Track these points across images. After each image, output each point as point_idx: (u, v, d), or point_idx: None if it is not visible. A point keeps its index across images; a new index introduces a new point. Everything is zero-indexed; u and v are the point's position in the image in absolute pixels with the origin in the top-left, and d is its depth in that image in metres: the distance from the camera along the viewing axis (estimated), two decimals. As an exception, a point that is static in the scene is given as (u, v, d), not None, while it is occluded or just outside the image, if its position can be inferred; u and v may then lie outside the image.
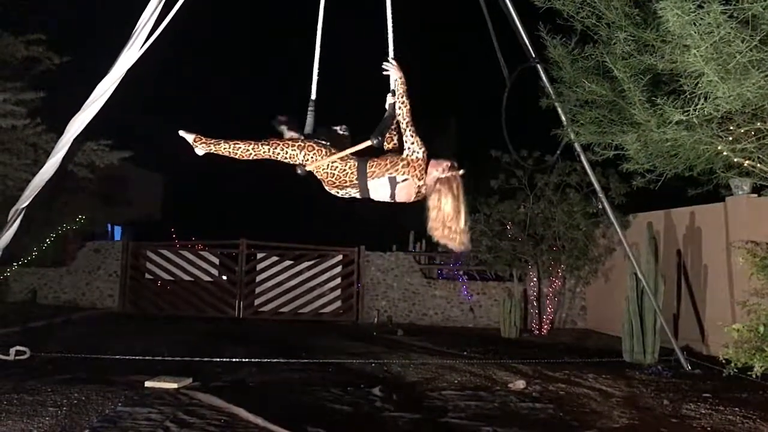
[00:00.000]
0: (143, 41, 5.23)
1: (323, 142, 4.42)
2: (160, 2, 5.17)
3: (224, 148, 4.43)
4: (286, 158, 4.37)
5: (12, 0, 10.58)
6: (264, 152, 4.37)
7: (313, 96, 4.79)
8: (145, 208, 22.43)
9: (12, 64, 10.63)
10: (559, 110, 7.09)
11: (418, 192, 4.29)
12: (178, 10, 5.19)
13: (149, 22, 5.17)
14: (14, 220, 6.22)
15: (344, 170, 4.30)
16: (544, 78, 7.14)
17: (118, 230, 20.12)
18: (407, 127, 4.22)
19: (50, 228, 13.52)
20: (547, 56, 6.75)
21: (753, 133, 5.44)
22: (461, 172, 4.31)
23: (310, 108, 4.75)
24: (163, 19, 5.20)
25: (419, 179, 4.24)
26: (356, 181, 4.31)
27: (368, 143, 4.21)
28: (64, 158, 5.86)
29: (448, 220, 4.26)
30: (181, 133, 4.53)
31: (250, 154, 4.39)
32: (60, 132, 5.73)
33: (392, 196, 4.32)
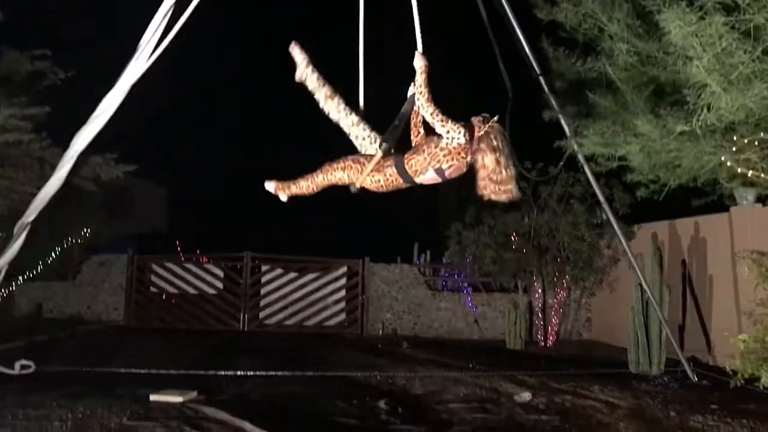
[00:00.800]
0: (149, 55, 5.27)
1: (360, 157, 4.46)
2: (165, 16, 5.22)
3: (294, 189, 4.61)
4: (337, 181, 4.51)
5: (18, 15, 10.66)
6: (321, 181, 4.53)
7: (361, 106, 4.79)
8: (150, 221, 22.48)
9: (17, 79, 10.70)
10: (563, 122, 7.10)
11: (468, 165, 4.30)
12: (184, 23, 5.24)
13: (155, 36, 5.22)
14: (20, 234, 6.26)
15: (387, 178, 4.37)
16: (547, 90, 7.16)
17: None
18: (433, 118, 4.19)
19: (55, 241, 13.54)
20: (550, 68, 6.78)
21: (756, 143, 5.45)
22: (495, 118, 4.30)
23: None
24: (168, 33, 5.24)
25: (465, 158, 4.23)
26: (403, 183, 4.40)
27: (379, 155, 4.29)
28: (70, 172, 5.90)
29: (492, 174, 4.21)
30: (266, 185, 4.69)
31: (312, 188, 4.57)
32: (66, 145, 5.77)
33: (444, 179, 4.36)
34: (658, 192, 6.55)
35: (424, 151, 4.27)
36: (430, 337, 13.47)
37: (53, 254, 13.54)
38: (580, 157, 7.46)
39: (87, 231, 14.39)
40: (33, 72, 10.94)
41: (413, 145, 4.57)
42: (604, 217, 10.53)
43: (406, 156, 4.34)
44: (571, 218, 11.83)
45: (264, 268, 14.19)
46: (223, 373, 8.16)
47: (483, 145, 4.21)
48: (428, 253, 16.65)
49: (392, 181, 4.37)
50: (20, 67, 10.71)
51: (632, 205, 10.85)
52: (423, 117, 4.38)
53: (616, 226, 8.57)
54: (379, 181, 4.38)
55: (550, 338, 12.43)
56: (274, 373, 8.30)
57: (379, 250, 14.72)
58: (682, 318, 10.25)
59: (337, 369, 8.78)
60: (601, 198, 8.37)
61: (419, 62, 4.33)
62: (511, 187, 4.27)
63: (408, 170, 4.30)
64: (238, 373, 8.19)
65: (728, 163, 5.66)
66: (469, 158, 4.23)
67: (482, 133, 4.23)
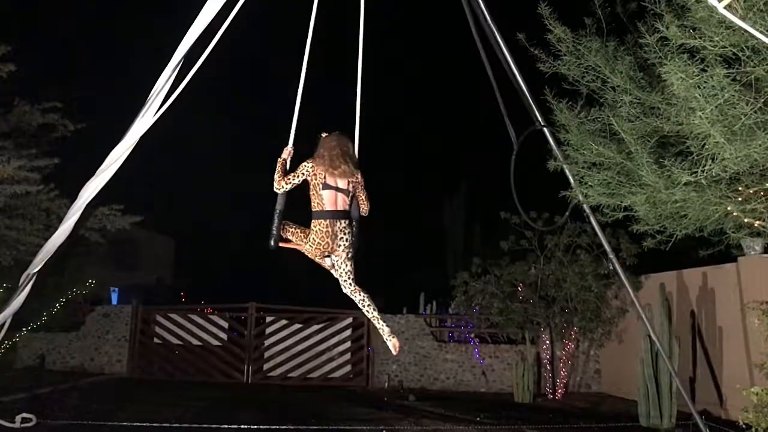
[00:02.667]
0: (156, 109, 5.33)
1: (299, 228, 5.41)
2: (174, 71, 5.30)
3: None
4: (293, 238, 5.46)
5: (30, 69, 10.86)
6: (290, 235, 5.43)
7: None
8: (156, 272, 22.49)
9: (28, 131, 10.85)
10: (567, 172, 7.12)
11: (325, 161, 5.19)
12: (193, 76, 5.31)
13: (163, 91, 5.29)
14: (25, 285, 6.24)
15: (317, 230, 5.13)
16: (551, 141, 7.20)
17: (118, 295, 19.85)
18: (291, 185, 5.25)
19: (60, 292, 13.51)
20: (553, 119, 6.83)
21: (762, 193, 5.44)
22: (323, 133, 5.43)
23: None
24: (176, 88, 5.32)
25: (321, 167, 5.17)
26: (328, 225, 5.14)
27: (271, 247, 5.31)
28: (77, 223, 5.91)
29: (321, 160, 5.20)
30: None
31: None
32: (73, 197, 5.80)
33: (340, 188, 5.18)
34: (665, 242, 6.49)
35: (311, 193, 5.22)
36: (436, 389, 13.28)
37: (57, 305, 13.49)
38: (586, 208, 7.45)
39: (92, 282, 14.36)
40: (43, 124, 11.10)
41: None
42: (611, 267, 10.46)
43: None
44: (578, 268, 11.76)
45: (269, 319, 14.08)
46: (225, 426, 8.04)
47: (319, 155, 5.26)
48: (434, 303, 16.54)
49: (320, 229, 5.13)
50: (31, 119, 10.88)
51: (639, 255, 10.80)
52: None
53: (623, 277, 8.50)
54: (314, 240, 5.15)
55: (559, 391, 12.24)
56: (277, 427, 8.17)
57: (385, 301, 14.62)
58: (692, 370, 10.09)
59: (342, 423, 8.65)
60: (608, 248, 8.32)
61: (282, 155, 5.38)
62: (338, 163, 5.15)
63: (320, 209, 5.16)
64: (242, 426, 8.07)
65: (734, 214, 5.64)
66: (322, 167, 5.17)
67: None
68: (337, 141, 5.29)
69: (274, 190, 5.28)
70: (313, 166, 5.21)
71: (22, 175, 9.59)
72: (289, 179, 5.26)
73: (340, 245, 5.19)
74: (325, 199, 5.17)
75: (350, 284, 5.29)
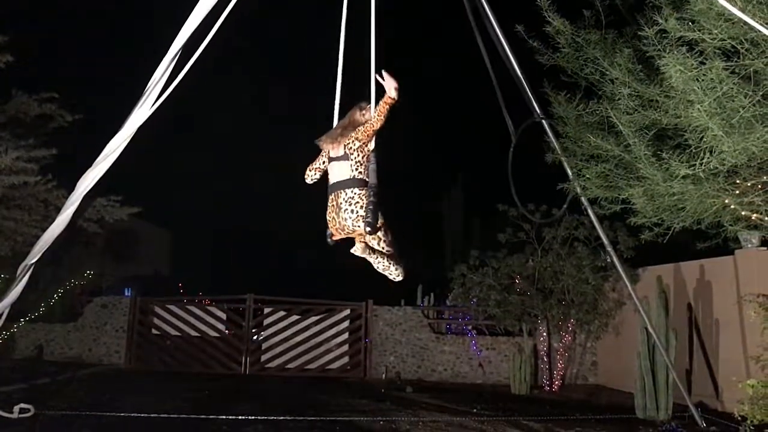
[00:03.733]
0: (154, 100, 5.32)
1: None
2: (171, 61, 5.29)
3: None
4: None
5: (27, 58, 10.83)
6: None
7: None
8: (154, 263, 22.49)
9: (25, 121, 10.81)
10: (565, 165, 7.12)
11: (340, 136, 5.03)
12: (191, 67, 5.30)
13: (161, 81, 5.28)
14: (23, 276, 6.24)
15: (327, 219, 4.87)
16: (549, 133, 7.20)
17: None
18: (313, 168, 5.16)
19: (58, 283, 13.51)
20: (552, 112, 6.83)
21: (760, 186, 5.45)
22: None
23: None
24: (174, 78, 5.30)
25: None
26: (333, 202, 4.86)
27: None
28: (74, 214, 5.91)
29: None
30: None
31: None
32: (71, 188, 5.79)
33: (339, 155, 4.91)
34: (663, 235, 6.51)
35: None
36: (433, 380, 13.32)
37: (56, 296, 13.49)
38: (584, 200, 7.46)
39: (90, 273, 14.36)
40: (40, 114, 11.07)
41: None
42: (609, 260, 10.48)
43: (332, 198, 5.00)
44: (576, 261, 11.78)
45: (267, 310, 14.09)
46: (223, 417, 8.06)
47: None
48: (432, 295, 16.56)
49: (328, 205, 4.92)
50: (28, 110, 10.84)
51: (636, 248, 10.81)
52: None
53: (620, 269, 8.53)
54: (327, 219, 4.87)
55: (556, 383, 12.27)
56: (275, 417, 8.19)
57: (383, 292, 14.63)
58: (689, 362, 10.12)
59: (340, 413, 8.67)
60: (606, 241, 8.35)
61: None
62: (327, 133, 5.06)
63: (328, 185, 4.96)
64: (239, 417, 8.09)
65: (732, 206, 5.66)
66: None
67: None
68: None
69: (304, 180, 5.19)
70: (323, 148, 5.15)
71: (19, 165, 9.56)
72: (311, 166, 5.15)
73: (346, 219, 4.71)
74: (329, 174, 4.96)
75: (382, 268, 5.00)
